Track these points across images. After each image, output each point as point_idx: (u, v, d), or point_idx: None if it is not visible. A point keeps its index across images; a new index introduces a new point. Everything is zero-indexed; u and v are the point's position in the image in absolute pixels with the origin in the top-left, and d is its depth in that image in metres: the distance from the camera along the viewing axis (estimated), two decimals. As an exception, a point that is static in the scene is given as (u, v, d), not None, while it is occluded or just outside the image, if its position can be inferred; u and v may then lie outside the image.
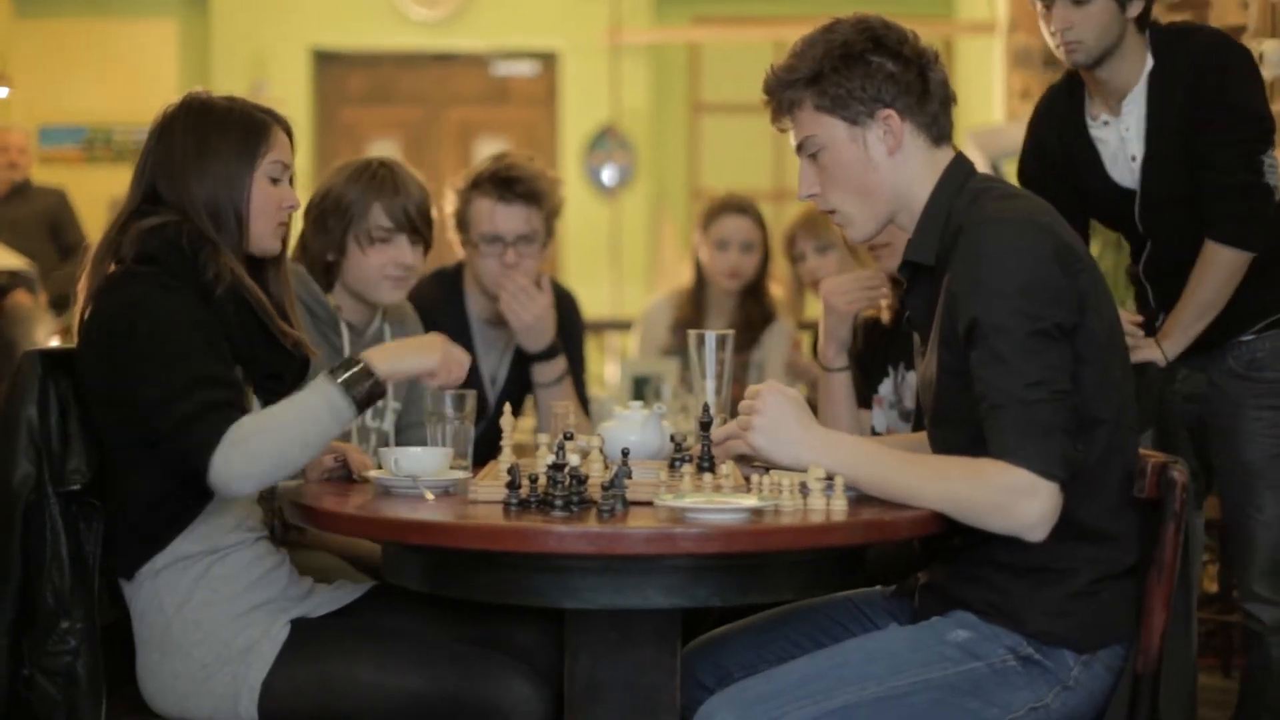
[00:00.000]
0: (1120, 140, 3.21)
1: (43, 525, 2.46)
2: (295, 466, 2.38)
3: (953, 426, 2.36)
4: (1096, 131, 3.24)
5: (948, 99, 2.43)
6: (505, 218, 3.69)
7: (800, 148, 2.45)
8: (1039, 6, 3.16)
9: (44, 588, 2.46)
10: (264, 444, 2.33)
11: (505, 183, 3.69)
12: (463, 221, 3.73)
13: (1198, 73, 3.13)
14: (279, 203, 2.58)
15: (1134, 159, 3.20)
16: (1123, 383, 2.37)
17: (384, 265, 3.14)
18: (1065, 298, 2.26)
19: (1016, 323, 2.23)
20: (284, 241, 2.64)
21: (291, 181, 2.63)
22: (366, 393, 2.41)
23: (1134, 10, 3.13)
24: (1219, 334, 3.22)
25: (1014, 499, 2.20)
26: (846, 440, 2.38)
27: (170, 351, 2.39)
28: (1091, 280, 2.32)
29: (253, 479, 2.34)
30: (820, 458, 2.32)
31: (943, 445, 2.40)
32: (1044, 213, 2.36)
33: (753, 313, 4.65)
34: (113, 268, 2.49)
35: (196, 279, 2.46)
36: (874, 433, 3.25)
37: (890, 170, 2.41)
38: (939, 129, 2.42)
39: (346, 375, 2.40)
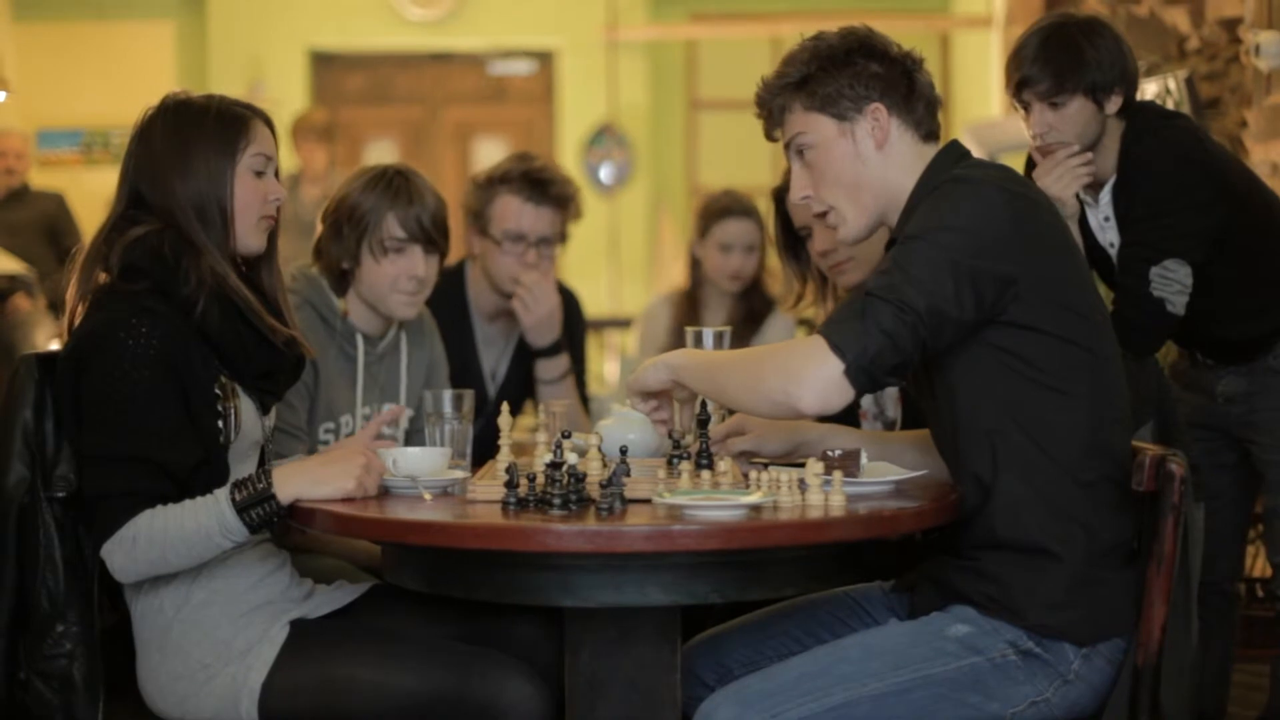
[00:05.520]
0: (1100, 225, 3.22)
1: (36, 529, 2.47)
2: (175, 570, 2.43)
3: (929, 395, 2.41)
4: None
5: (934, 101, 2.47)
6: (534, 218, 3.70)
7: (789, 146, 2.48)
8: (1019, 109, 3.16)
9: (39, 591, 2.46)
10: (147, 552, 2.38)
11: (538, 184, 3.70)
12: (480, 216, 3.73)
13: (1147, 175, 3.11)
14: (264, 196, 2.57)
15: (1111, 245, 3.21)
16: (1098, 366, 2.36)
17: (396, 277, 3.10)
18: (999, 253, 2.28)
19: (941, 248, 2.26)
20: (272, 238, 2.62)
21: (277, 175, 2.63)
22: (263, 517, 2.39)
23: (1112, 107, 3.11)
24: (1262, 340, 3.26)
25: (800, 361, 2.25)
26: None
27: (115, 410, 2.40)
28: (1058, 256, 2.34)
29: (130, 576, 2.42)
30: (667, 359, 2.42)
31: (928, 418, 2.45)
32: (1017, 182, 2.40)
33: (754, 304, 4.64)
34: (102, 277, 2.49)
35: (180, 291, 2.46)
36: None
37: (879, 164, 2.43)
38: (927, 128, 2.46)
39: (246, 497, 2.37)
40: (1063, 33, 3.10)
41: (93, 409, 2.41)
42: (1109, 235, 3.20)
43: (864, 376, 2.23)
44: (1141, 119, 3.16)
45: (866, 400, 3.29)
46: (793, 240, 3.21)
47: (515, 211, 3.70)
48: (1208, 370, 3.35)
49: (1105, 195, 3.19)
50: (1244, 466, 3.36)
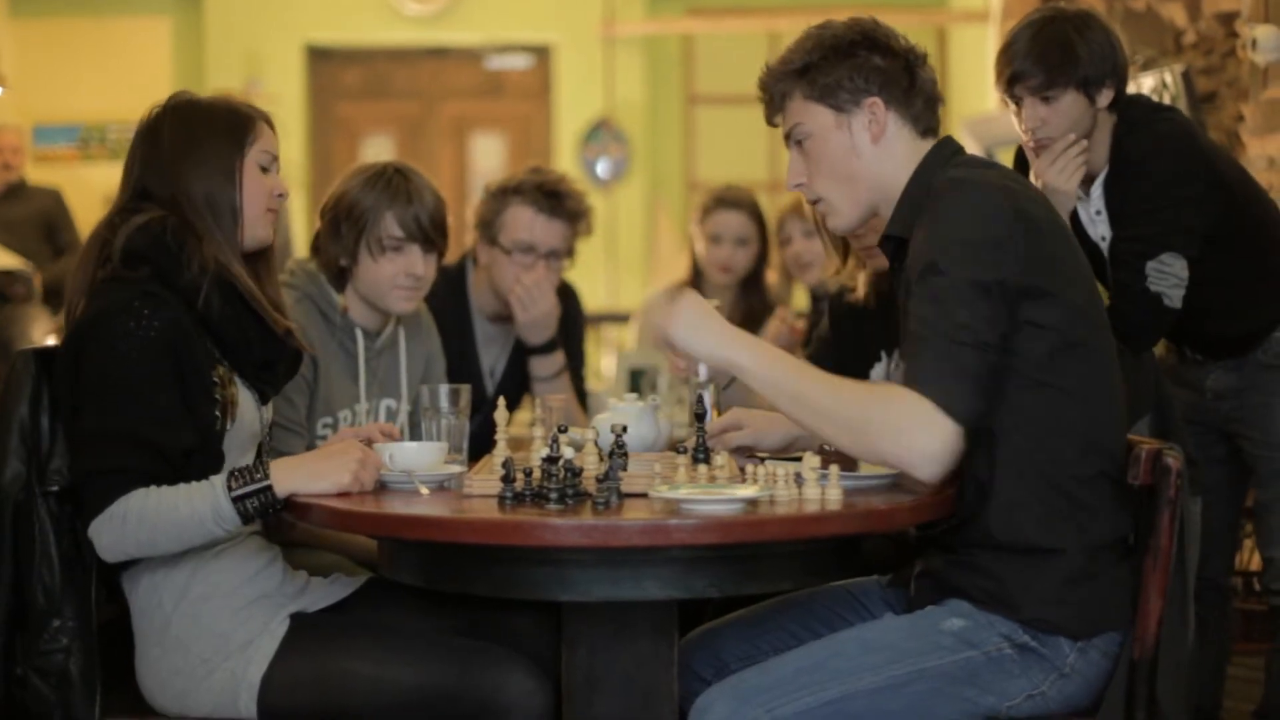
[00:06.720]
0: (1090, 219, 3.22)
1: (32, 524, 2.47)
2: (162, 554, 2.43)
3: None
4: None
5: (934, 98, 2.48)
6: (545, 230, 3.71)
7: (788, 136, 2.49)
8: (1010, 105, 3.16)
9: (34, 587, 2.46)
10: (137, 532, 2.37)
11: (552, 196, 3.70)
12: (490, 225, 3.73)
13: (1141, 169, 3.11)
14: (270, 190, 2.61)
15: (1103, 239, 3.21)
16: (1094, 362, 2.36)
17: (395, 275, 3.11)
18: (1015, 259, 2.28)
19: (960, 270, 2.26)
20: (273, 230, 2.64)
21: (279, 174, 2.66)
22: (258, 507, 2.39)
23: (1104, 100, 3.10)
24: (1252, 336, 3.26)
25: (912, 426, 2.22)
26: (761, 342, 2.40)
27: (111, 390, 2.40)
28: (1059, 252, 2.34)
29: (117, 555, 2.41)
30: (734, 353, 2.35)
31: None
32: (1014, 180, 2.40)
33: (753, 304, 4.64)
34: (104, 268, 2.50)
35: (183, 277, 2.47)
36: None
37: (874, 158, 2.44)
38: (925, 124, 2.47)
39: (244, 489, 2.38)
40: (1053, 27, 3.09)
41: (90, 389, 2.42)
42: (1100, 229, 3.20)
43: (971, 419, 2.24)
44: (1133, 112, 3.16)
45: (877, 372, 3.29)
46: None
47: (527, 222, 3.70)
48: (1196, 366, 3.36)
49: (1097, 189, 3.18)
50: (1235, 461, 3.36)
